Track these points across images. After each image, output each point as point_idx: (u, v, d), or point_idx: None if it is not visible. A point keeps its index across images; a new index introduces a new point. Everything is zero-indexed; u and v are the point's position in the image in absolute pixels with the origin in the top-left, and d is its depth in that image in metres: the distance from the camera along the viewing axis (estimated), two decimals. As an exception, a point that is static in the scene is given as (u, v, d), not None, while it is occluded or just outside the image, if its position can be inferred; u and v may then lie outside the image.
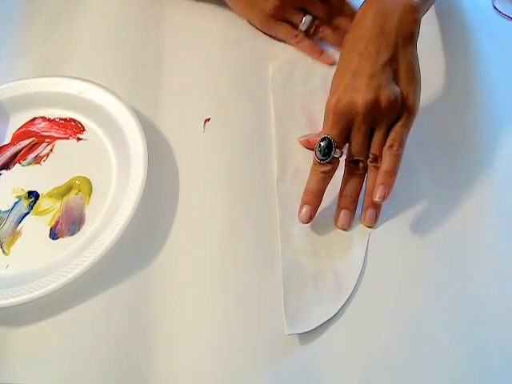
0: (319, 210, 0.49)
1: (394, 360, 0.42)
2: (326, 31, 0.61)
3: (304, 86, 0.59)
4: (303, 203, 0.48)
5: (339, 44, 0.59)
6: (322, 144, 0.46)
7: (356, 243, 0.48)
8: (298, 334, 0.43)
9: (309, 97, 0.57)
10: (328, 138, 0.46)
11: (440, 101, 0.57)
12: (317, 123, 0.55)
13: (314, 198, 0.48)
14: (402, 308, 0.45)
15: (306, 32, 0.61)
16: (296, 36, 0.61)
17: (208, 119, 0.56)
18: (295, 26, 0.61)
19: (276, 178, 0.51)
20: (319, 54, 0.61)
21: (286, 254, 0.47)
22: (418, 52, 0.58)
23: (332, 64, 0.60)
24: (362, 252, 0.47)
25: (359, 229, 0.49)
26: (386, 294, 0.45)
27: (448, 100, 0.57)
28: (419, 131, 0.54)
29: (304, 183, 0.49)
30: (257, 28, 0.63)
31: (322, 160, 0.47)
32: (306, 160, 0.52)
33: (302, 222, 0.48)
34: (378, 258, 0.47)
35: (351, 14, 0.59)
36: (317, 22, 0.61)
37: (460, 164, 0.52)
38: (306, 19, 0.60)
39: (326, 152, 0.46)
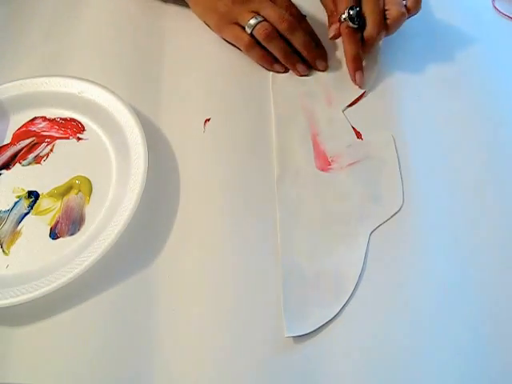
0: (318, 211, 0.49)
1: (394, 360, 0.42)
2: (275, 41, 0.57)
3: (304, 86, 0.58)
4: (355, 70, 0.56)
5: (282, 58, 0.58)
6: (352, 12, 0.54)
7: (356, 244, 0.48)
8: (298, 337, 0.43)
9: (309, 98, 0.57)
10: (355, 7, 0.54)
11: (440, 101, 0.57)
12: (317, 124, 0.55)
13: (360, 62, 0.56)
14: (401, 308, 0.45)
15: (254, 37, 0.57)
16: (244, 40, 0.57)
17: (208, 119, 0.56)
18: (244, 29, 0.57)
19: (276, 179, 0.51)
20: (269, 64, 0.58)
21: (286, 255, 0.47)
22: (417, 52, 0.58)
23: (283, 72, 0.58)
24: (361, 253, 0.47)
25: (359, 230, 0.49)
26: (385, 294, 0.45)
27: (448, 100, 0.57)
28: (420, 131, 0.55)
29: (304, 184, 0.50)
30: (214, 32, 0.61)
31: (356, 25, 0.54)
32: (306, 161, 0.52)
33: (361, 87, 0.56)
34: (378, 259, 0.47)
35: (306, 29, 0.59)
36: (266, 25, 0.56)
37: (460, 165, 0.52)
38: (252, 21, 0.56)
39: (357, 19, 0.54)
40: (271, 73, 0.59)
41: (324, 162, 0.53)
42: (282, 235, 0.48)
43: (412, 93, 0.57)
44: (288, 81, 0.58)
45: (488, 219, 0.49)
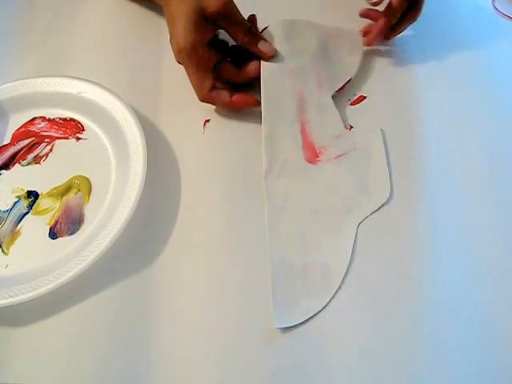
0: (306, 204, 0.49)
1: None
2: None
3: (294, 61, 0.54)
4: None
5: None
6: None
7: (344, 236, 0.48)
8: (288, 328, 0.43)
9: (299, 76, 0.54)
10: None
11: (439, 100, 0.57)
12: (307, 110, 0.53)
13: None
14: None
15: None
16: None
17: (208, 120, 0.56)
18: None
19: (264, 174, 0.51)
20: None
21: (274, 248, 0.47)
22: (417, 52, 0.58)
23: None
24: (349, 245, 0.47)
25: (347, 222, 0.48)
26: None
27: (447, 99, 0.57)
28: (419, 129, 0.55)
29: (292, 177, 0.50)
30: None
31: None
32: (294, 152, 0.52)
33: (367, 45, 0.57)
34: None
35: None
36: None
37: (454, 160, 0.52)
38: None
39: None
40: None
41: (312, 154, 0.52)
42: (270, 228, 0.48)
43: (412, 92, 0.57)
44: (280, 53, 0.54)
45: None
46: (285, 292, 0.45)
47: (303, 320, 0.43)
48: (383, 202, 0.49)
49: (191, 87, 0.57)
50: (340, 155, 0.52)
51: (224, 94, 0.53)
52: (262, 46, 0.53)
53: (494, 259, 0.47)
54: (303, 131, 0.53)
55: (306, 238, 0.48)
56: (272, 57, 0.53)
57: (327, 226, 0.48)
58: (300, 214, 0.49)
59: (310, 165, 0.52)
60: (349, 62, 0.57)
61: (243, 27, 0.52)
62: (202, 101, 0.54)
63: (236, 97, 0.53)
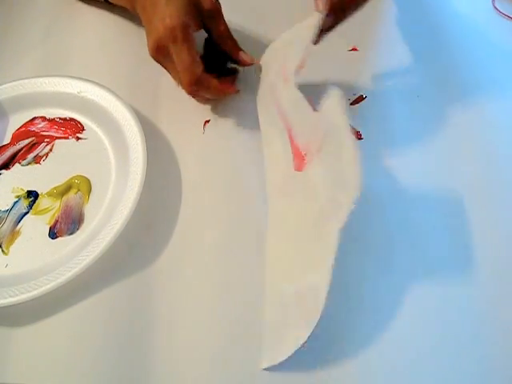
0: (293, 220, 0.47)
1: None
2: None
3: (277, 60, 0.51)
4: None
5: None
6: None
7: (326, 249, 0.41)
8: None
9: (275, 79, 0.50)
10: None
11: (439, 101, 0.57)
12: (287, 114, 0.48)
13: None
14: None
15: None
16: None
17: (208, 121, 0.56)
18: None
19: (268, 197, 0.49)
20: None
21: (269, 282, 0.45)
22: (417, 53, 0.57)
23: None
24: (331, 258, 0.39)
25: (329, 232, 0.41)
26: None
27: (448, 100, 0.57)
28: (415, 128, 0.55)
29: (288, 194, 0.48)
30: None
31: None
32: (288, 165, 0.48)
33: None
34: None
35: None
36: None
37: (453, 166, 0.52)
38: None
39: None
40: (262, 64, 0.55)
41: (299, 160, 0.47)
42: (270, 259, 0.46)
43: (412, 92, 0.57)
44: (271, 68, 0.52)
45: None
46: (277, 327, 0.43)
47: (290, 354, 0.41)
48: (354, 197, 0.39)
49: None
50: (319, 149, 0.44)
51: (213, 79, 0.52)
52: (242, 54, 0.55)
53: (493, 262, 0.47)
54: (291, 139, 0.48)
55: (295, 260, 0.44)
56: (251, 64, 0.54)
57: (311, 241, 0.43)
58: (290, 235, 0.46)
59: (298, 173, 0.47)
60: (302, 33, 0.48)
61: (228, 31, 0.54)
62: (192, 88, 0.51)
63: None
